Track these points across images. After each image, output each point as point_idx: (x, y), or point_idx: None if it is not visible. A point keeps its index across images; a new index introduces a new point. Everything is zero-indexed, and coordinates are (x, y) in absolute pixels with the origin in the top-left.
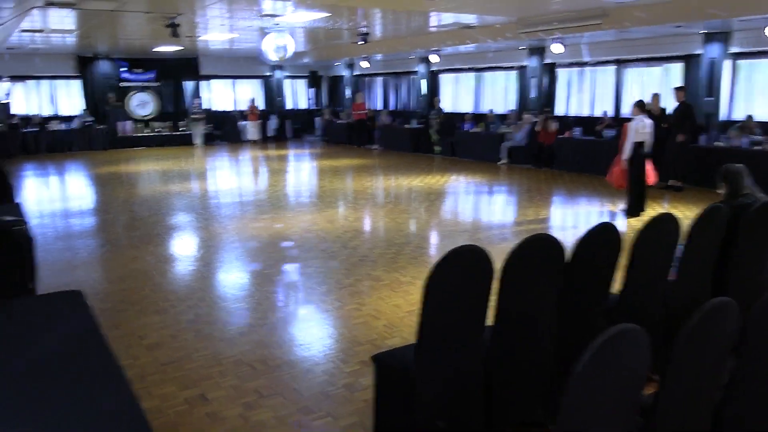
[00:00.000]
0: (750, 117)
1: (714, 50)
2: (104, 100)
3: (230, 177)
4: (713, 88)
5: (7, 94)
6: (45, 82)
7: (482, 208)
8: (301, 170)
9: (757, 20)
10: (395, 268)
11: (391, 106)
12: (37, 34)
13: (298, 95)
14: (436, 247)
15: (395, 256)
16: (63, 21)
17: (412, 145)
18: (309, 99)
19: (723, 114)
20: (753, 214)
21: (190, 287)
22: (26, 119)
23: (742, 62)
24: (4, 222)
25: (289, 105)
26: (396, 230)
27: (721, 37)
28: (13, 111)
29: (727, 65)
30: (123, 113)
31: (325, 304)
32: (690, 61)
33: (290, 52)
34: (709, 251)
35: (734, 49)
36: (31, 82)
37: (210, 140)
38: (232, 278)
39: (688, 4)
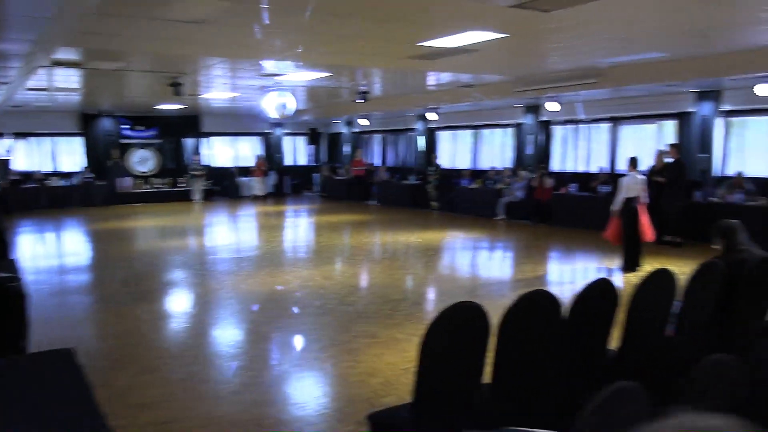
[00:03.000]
0: (739, 174)
1: (706, 108)
2: (106, 157)
3: (228, 233)
4: (706, 145)
5: (8, 151)
6: (47, 139)
7: (480, 264)
8: (299, 226)
9: (747, 79)
10: (391, 324)
11: (390, 162)
12: (42, 93)
13: (297, 151)
14: (433, 303)
15: (392, 312)
16: (68, 80)
17: (410, 200)
18: (308, 155)
19: (717, 170)
20: (750, 271)
21: (184, 345)
22: (27, 175)
23: (734, 120)
24: None
25: (288, 161)
26: (393, 286)
27: (713, 95)
28: (14, 167)
29: (719, 123)
30: (123, 170)
31: (320, 361)
32: (683, 118)
33: (291, 110)
34: (706, 307)
35: (726, 107)
36: (32, 139)
37: (209, 196)
38: (227, 335)
39: (679, 64)
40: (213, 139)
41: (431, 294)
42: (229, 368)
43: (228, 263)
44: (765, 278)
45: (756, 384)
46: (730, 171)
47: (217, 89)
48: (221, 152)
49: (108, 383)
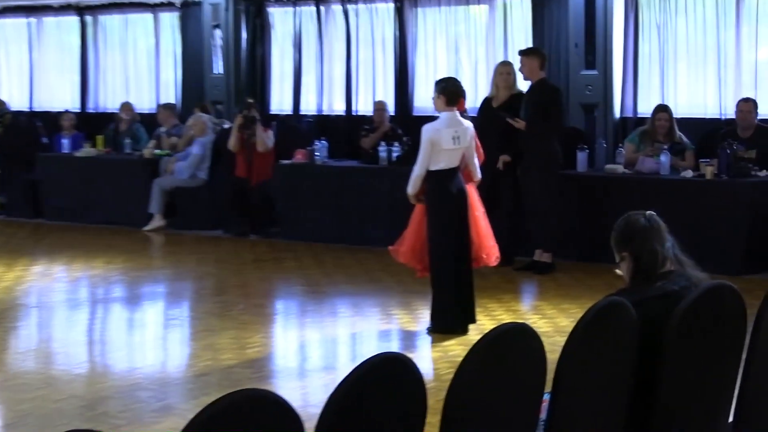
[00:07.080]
0: (661, 108)
1: None
2: None
3: None
4: (596, 57)
5: None
6: None
7: (112, 340)
8: None
9: None
10: None
11: None
12: None
13: None
14: None
15: None
16: None
17: None
18: None
19: (617, 106)
20: (685, 316)
21: None
22: None
23: None
24: None
25: None
26: None
27: None
28: None
29: (618, 3)
30: None
31: None
32: None
33: None
34: (603, 399)
35: None
36: None
37: None
38: None
39: None
40: None
41: None
42: None
43: None
44: (715, 330)
45: None
46: (643, 107)
47: None
48: None
49: None
